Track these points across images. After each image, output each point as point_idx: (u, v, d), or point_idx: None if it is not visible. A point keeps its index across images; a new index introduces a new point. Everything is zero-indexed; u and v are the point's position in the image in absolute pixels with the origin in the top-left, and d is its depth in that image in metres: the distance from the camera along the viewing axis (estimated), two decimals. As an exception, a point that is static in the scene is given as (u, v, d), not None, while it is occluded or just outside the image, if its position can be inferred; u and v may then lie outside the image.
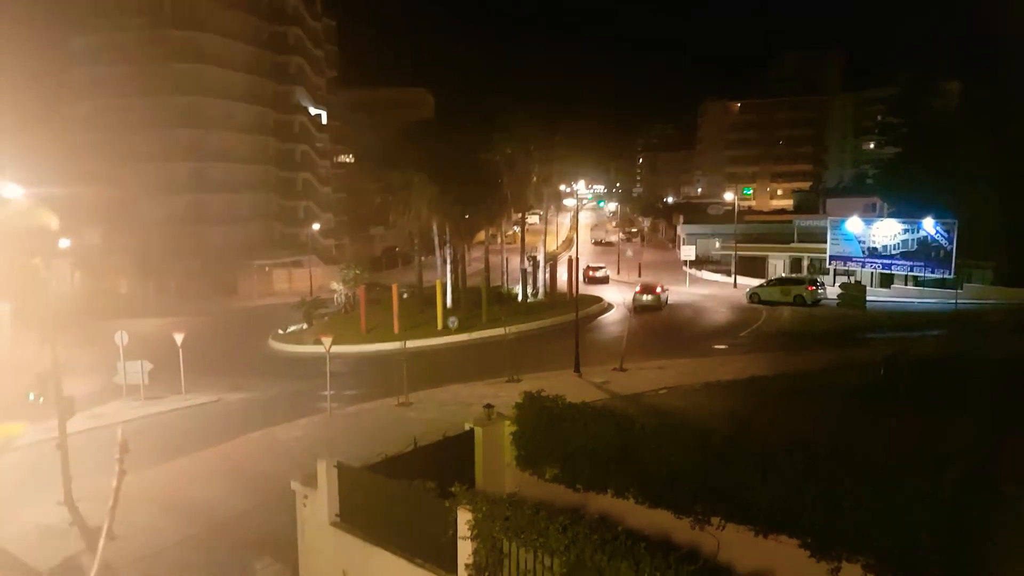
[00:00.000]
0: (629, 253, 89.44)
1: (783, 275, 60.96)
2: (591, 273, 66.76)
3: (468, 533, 11.43)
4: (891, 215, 61.42)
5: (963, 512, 10.90)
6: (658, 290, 53.56)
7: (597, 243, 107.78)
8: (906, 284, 58.50)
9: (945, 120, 71.90)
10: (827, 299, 51.64)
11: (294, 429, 26.89)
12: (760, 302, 53.86)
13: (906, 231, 55.22)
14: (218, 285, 70.38)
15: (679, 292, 62.36)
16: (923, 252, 54.14)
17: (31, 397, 28.32)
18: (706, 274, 73.10)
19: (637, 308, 50.96)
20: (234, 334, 51.30)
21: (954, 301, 49.14)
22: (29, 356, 32.61)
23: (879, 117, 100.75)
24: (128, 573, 15.87)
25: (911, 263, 55.18)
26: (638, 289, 54.10)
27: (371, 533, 13.35)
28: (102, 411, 30.06)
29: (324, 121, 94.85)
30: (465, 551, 11.53)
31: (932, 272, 54.17)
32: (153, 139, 73.44)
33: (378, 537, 13.18)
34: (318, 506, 14.31)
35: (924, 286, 56.81)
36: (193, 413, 30.66)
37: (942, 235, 52.78)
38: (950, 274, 52.55)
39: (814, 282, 54.28)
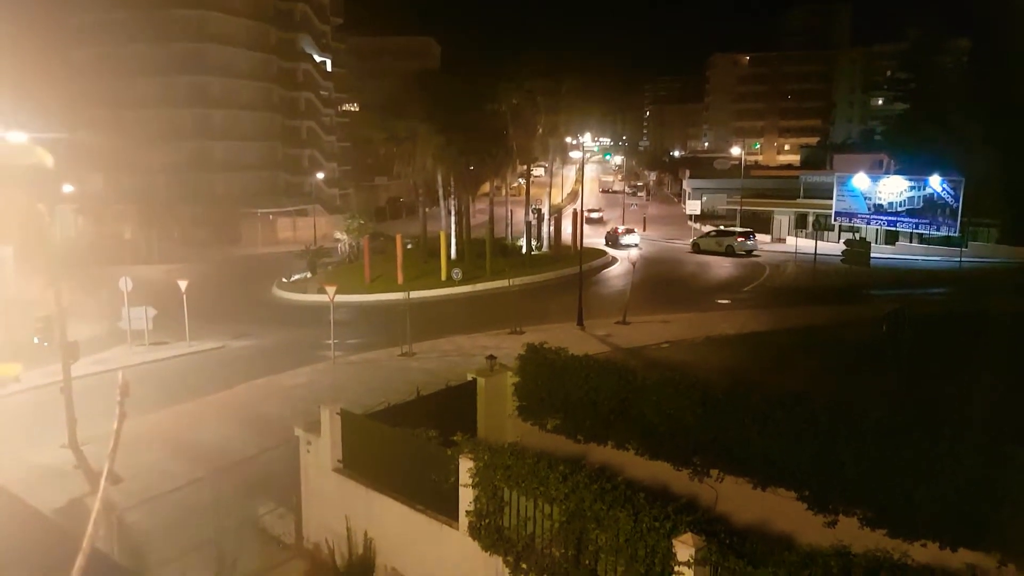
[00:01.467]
0: (634, 206, 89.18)
1: (722, 227, 64.55)
2: (588, 215, 70.44)
3: (469, 481, 11.57)
4: (898, 172, 60.96)
5: (962, 468, 10.99)
6: (634, 231, 63.20)
7: (605, 191, 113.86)
8: (911, 242, 58.30)
9: (954, 77, 70.99)
10: (757, 250, 58.16)
11: (298, 376, 27.08)
12: (700, 252, 58.63)
13: (912, 188, 54.87)
14: (222, 233, 70.27)
15: (683, 248, 62.40)
16: (929, 209, 53.86)
17: (36, 340, 28.58)
18: (710, 229, 72.79)
19: (618, 245, 59.19)
20: (238, 282, 51.38)
21: (959, 259, 49.05)
22: (33, 300, 32.72)
23: (888, 73, 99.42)
24: (133, 514, 16.10)
25: (917, 220, 54.93)
26: (620, 230, 63.01)
27: (374, 479, 13.51)
28: (106, 356, 30.25)
29: (329, 69, 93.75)
30: (466, 498, 11.68)
31: (937, 230, 53.95)
32: (156, 85, 72.78)
33: (380, 483, 13.34)
34: (321, 452, 14.46)
35: (929, 244, 56.61)
36: (198, 359, 30.85)
37: (948, 193, 52.45)
38: (955, 232, 52.33)
39: (744, 234, 59.00)
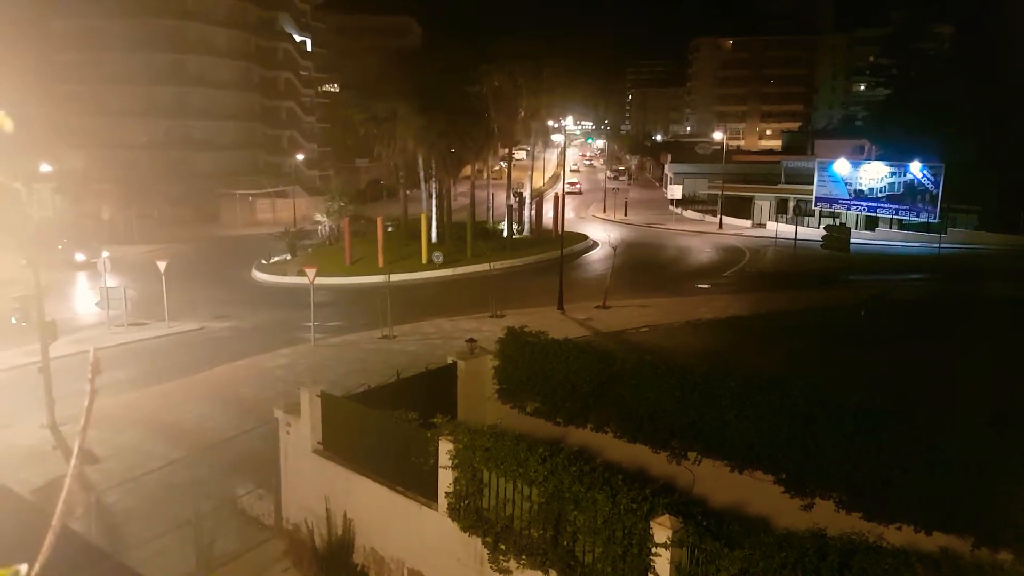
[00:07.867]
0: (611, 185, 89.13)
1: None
2: (568, 188, 76.69)
3: (449, 463, 11.61)
4: (879, 158, 61.29)
5: (937, 451, 11.14)
6: None
7: (583, 156, 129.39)
8: (891, 227, 58.64)
9: (936, 63, 71.34)
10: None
11: (278, 358, 26.99)
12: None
13: (893, 174, 55.19)
14: (201, 213, 69.69)
15: (664, 232, 62.54)
16: (909, 196, 54.20)
17: (13, 320, 28.32)
18: (691, 214, 73.01)
19: None
20: (217, 263, 51.02)
21: (938, 245, 49.42)
22: (10, 280, 32.41)
23: (871, 58, 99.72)
24: (112, 494, 16.06)
25: (897, 206, 55.28)
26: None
27: (353, 461, 13.53)
28: (84, 336, 29.99)
29: (309, 48, 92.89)
30: (446, 480, 11.72)
31: (917, 216, 54.33)
32: (133, 61, 71.59)
33: (360, 465, 13.36)
34: (301, 434, 14.45)
35: (909, 230, 56.96)
36: (177, 340, 30.66)
37: (928, 179, 52.81)
38: (935, 218, 52.70)
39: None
